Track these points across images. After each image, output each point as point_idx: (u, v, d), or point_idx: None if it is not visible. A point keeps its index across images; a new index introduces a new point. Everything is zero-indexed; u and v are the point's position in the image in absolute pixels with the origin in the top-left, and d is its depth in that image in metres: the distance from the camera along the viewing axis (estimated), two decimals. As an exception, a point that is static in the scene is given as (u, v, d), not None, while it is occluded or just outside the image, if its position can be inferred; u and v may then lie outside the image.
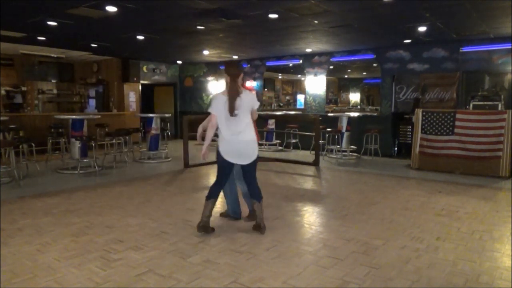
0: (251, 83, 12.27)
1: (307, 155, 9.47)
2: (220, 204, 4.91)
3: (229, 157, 3.84)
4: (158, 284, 2.85)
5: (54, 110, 12.44)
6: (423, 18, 6.69)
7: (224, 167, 3.93)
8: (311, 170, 7.95)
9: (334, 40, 8.86)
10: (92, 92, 13.16)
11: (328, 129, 9.29)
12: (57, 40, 9.16)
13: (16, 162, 6.46)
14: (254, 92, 3.74)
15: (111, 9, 6.13)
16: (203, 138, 4.01)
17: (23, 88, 11.89)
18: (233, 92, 3.77)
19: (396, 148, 9.76)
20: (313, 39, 8.85)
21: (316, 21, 6.99)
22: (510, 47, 8.16)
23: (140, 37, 8.63)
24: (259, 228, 3.97)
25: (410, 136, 8.98)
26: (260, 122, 7.07)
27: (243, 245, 3.64)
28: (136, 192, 5.87)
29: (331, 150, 9.66)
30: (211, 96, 13.51)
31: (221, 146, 3.86)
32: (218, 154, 3.89)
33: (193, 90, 14.10)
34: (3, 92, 11.43)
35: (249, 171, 3.96)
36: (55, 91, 12.89)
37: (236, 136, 3.80)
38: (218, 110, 3.78)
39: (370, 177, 7.10)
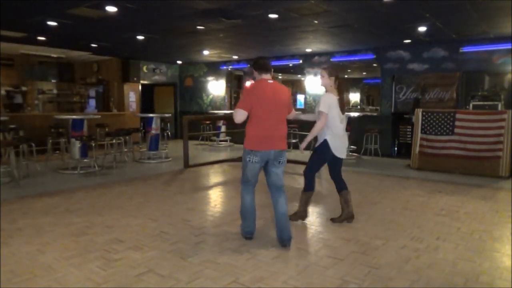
0: (251, 83, 12.25)
1: (307, 155, 9.45)
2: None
3: (338, 153, 4.18)
4: (158, 284, 2.85)
5: (54, 110, 12.43)
6: (423, 18, 6.68)
7: (329, 161, 4.30)
8: (311, 170, 7.94)
9: (334, 40, 8.85)
10: (92, 92, 13.16)
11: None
12: (57, 40, 9.15)
13: (16, 162, 6.46)
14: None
15: (111, 9, 6.13)
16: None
17: (23, 88, 11.89)
18: (343, 93, 4.27)
19: (396, 148, 9.75)
20: (313, 39, 8.85)
21: (316, 21, 6.99)
22: (510, 47, 8.15)
23: (140, 37, 8.63)
24: (352, 217, 4.36)
25: (410, 136, 8.98)
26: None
27: (243, 245, 3.65)
28: (136, 192, 5.87)
29: (331, 150, 9.64)
30: (210, 95, 13.52)
31: (334, 143, 4.14)
32: (327, 149, 4.13)
33: (193, 90, 14.10)
34: (3, 92, 11.43)
35: (341, 165, 4.40)
36: (55, 91, 12.89)
37: (344, 133, 4.28)
38: (331, 110, 4.06)
39: (370, 177, 7.10)
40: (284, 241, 3.58)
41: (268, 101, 3.53)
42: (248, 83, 12.47)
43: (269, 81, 3.64)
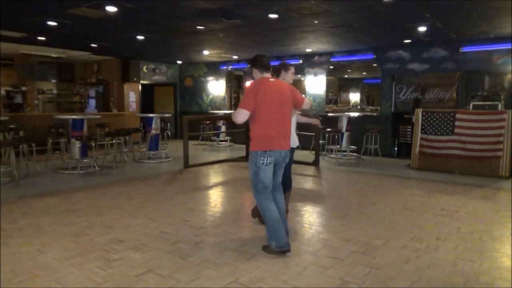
0: (252, 82, 12.25)
1: (307, 155, 9.45)
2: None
3: None
4: (158, 284, 2.85)
5: (54, 110, 12.43)
6: (423, 18, 6.68)
7: None
8: (311, 170, 7.95)
9: (334, 40, 8.85)
10: (92, 92, 13.15)
11: (328, 129, 9.28)
12: (57, 40, 9.15)
13: (16, 162, 6.46)
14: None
15: (111, 9, 6.13)
16: None
17: (23, 88, 11.88)
18: None
19: (396, 148, 9.75)
20: (313, 39, 8.85)
21: (316, 21, 6.99)
22: (510, 47, 8.15)
23: (140, 37, 8.63)
24: None
25: (410, 136, 8.98)
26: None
27: (243, 245, 3.64)
28: (136, 192, 5.87)
29: (331, 150, 9.66)
30: (210, 95, 13.53)
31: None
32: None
33: (193, 90, 14.10)
34: (3, 92, 11.42)
35: None
36: (55, 91, 12.88)
37: None
38: None
39: (370, 177, 7.10)
40: None
41: (273, 100, 3.33)
42: (248, 83, 12.48)
43: (270, 79, 3.49)
